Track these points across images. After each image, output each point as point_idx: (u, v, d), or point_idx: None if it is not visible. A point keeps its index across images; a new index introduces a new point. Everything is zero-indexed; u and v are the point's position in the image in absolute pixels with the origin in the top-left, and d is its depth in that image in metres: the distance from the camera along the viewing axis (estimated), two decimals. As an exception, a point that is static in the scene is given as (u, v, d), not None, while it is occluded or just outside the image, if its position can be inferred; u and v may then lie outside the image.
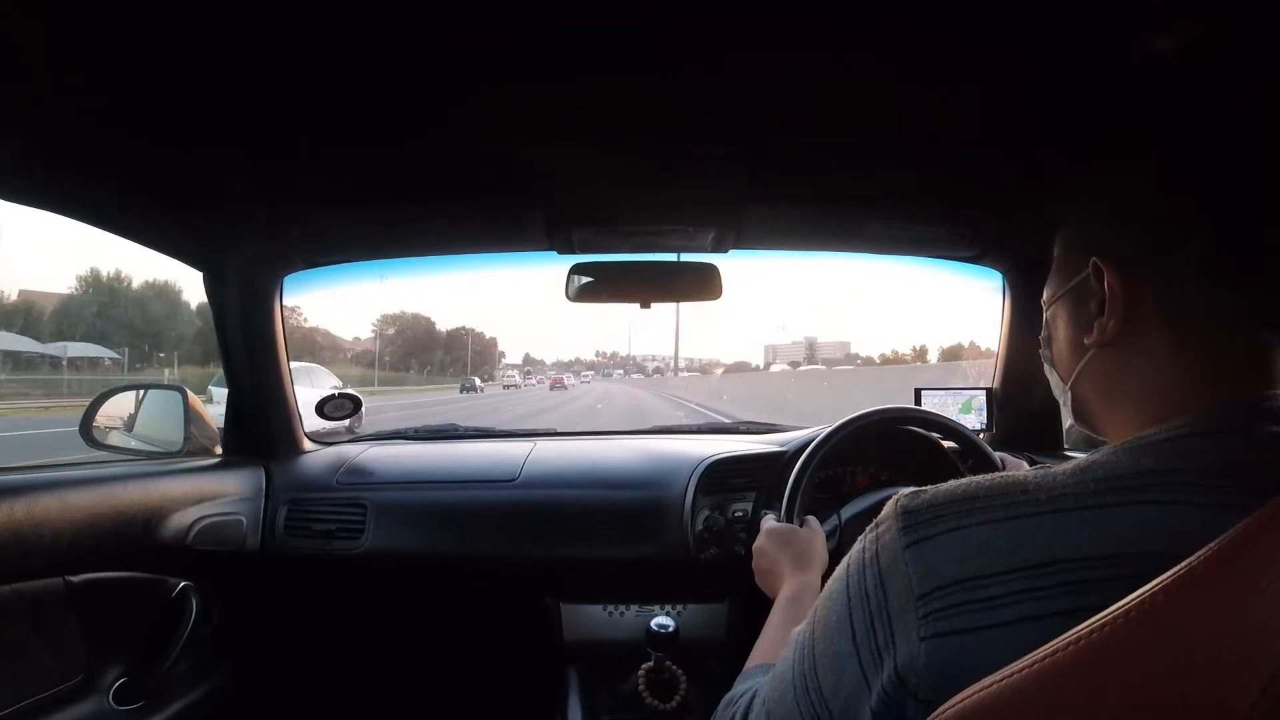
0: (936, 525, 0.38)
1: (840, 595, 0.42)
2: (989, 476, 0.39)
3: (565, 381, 37.26)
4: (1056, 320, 0.49)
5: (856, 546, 0.42)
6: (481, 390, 30.96)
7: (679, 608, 1.27)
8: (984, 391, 1.42)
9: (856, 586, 0.40)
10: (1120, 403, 0.44)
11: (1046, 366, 0.52)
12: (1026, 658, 0.30)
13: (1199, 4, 0.63)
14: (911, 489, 0.41)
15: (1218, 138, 0.41)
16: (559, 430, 1.65)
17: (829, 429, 1.04)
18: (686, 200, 1.15)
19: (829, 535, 0.91)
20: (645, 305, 1.31)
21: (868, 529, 0.42)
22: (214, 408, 1.39)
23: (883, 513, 0.41)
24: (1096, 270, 0.42)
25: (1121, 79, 0.74)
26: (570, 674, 1.26)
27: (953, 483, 0.40)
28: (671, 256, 1.31)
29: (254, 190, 1.08)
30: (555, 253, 1.29)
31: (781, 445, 1.29)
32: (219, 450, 1.33)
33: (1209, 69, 0.69)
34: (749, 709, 0.50)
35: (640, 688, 1.11)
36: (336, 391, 1.41)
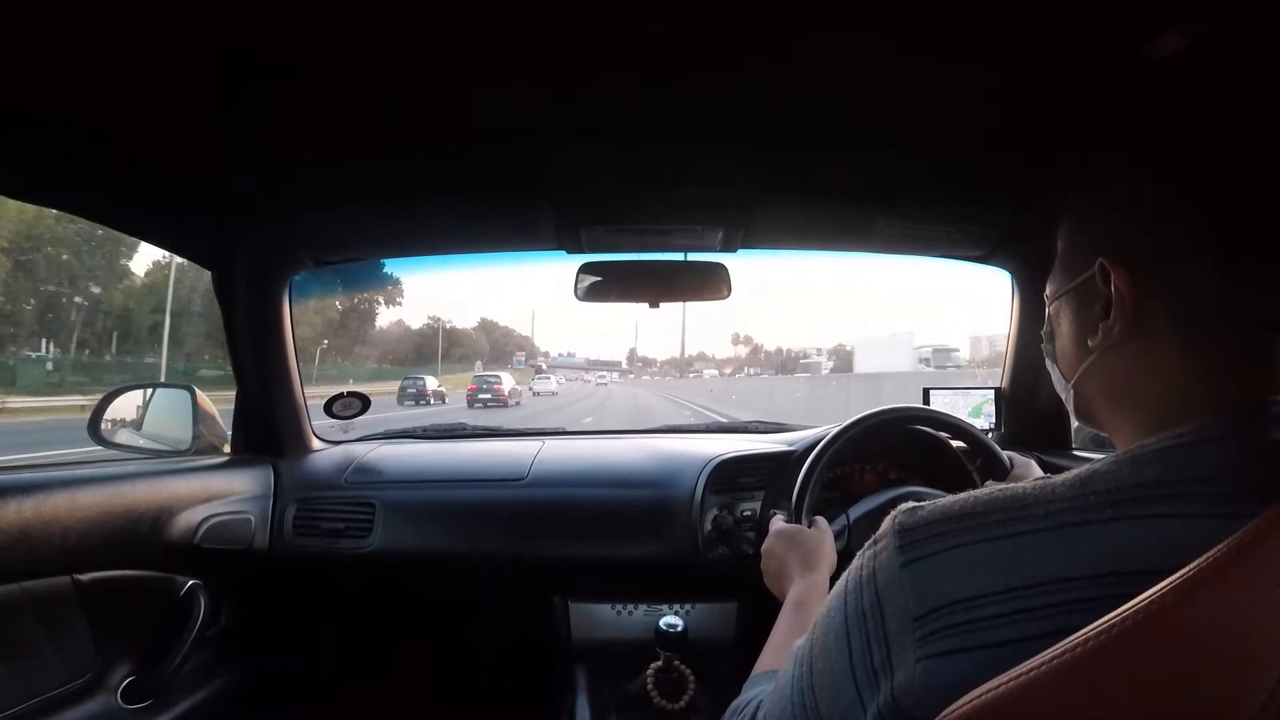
0: (933, 544, 0.37)
1: (838, 613, 0.42)
2: (987, 490, 0.39)
3: (504, 389, 18.43)
4: (1060, 317, 0.48)
5: (855, 563, 0.42)
6: (438, 398, 19.04)
7: (687, 607, 1.27)
8: (993, 391, 1.42)
9: (854, 605, 0.40)
10: (1124, 405, 0.43)
11: (1049, 362, 0.51)
12: (1033, 660, 0.30)
13: (1211, 4, 0.62)
14: (910, 504, 0.41)
15: (1233, 138, 0.40)
16: (567, 429, 1.65)
17: (837, 428, 1.04)
18: (695, 200, 1.15)
19: (837, 535, 0.91)
20: (654, 305, 1.32)
21: (866, 545, 0.42)
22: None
23: (880, 529, 0.41)
24: (1103, 271, 0.41)
25: (1132, 79, 0.74)
26: (578, 673, 1.26)
27: (950, 498, 0.40)
28: (680, 255, 1.32)
29: (262, 189, 1.08)
30: (564, 252, 1.30)
31: (790, 444, 1.29)
32: (227, 449, 1.33)
33: (1222, 69, 0.69)
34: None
35: (649, 687, 1.10)
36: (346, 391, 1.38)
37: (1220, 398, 0.38)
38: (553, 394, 26.23)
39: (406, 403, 17.85)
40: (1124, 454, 0.38)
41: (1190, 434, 0.37)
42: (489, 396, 17.99)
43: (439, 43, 0.73)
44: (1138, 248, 0.40)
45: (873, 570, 0.40)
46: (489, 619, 1.48)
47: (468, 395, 18.36)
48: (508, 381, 19.39)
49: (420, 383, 19.37)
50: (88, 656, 0.98)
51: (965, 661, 0.34)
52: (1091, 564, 0.33)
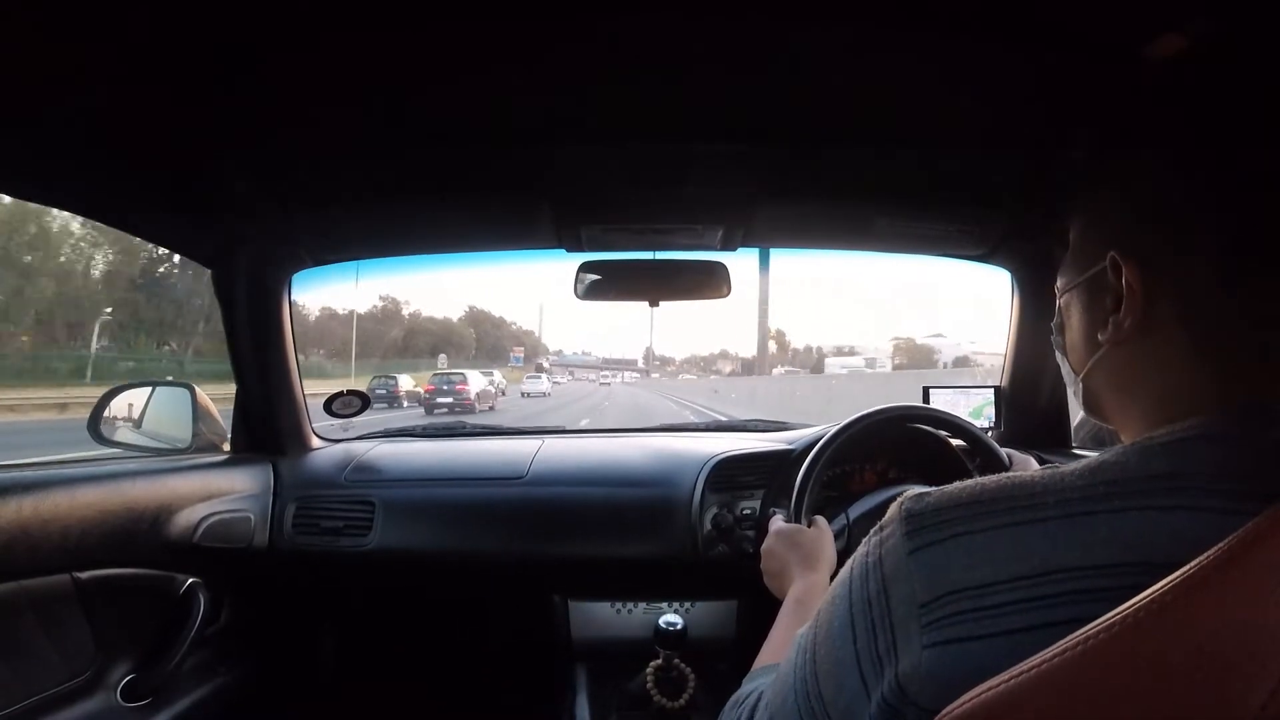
0: (941, 530, 0.37)
1: (843, 600, 0.41)
2: (995, 478, 0.39)
3: (469, 390, 15.50)
4: (1070, 310, 0.48)
5: (860, 550, 0.42)
6: (412, 400, 16.12)
7: (687, 605, 1.27)
8: (992, 389, 1.42)
9: (859, 591, 0.40)
10: (1133, 399, 0.43)
11: (1058, 354, 0.51)
12: (1034, 658, 0.30)
13: (1211, 4, 0.62)
14: (917, 491, 0.40)
15: (1234, 137, 0.40)
16: (567, 428, 1.66)
17: (837, 427, 1.04)
18: (695, 198, 1.15)
19: (837, 535, 0.91)
20: (654, 304, 1.32)
21: (872, 532, 0.42)
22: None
23: (886, 516, 0.41)
24: (1114, 265, 0.41)
25: (1132, 79, 0.74)
26: (578, 671, 1.26)
27: (958, 485, 0.39)
28: (680, 255, 1.32)
29: (263, 189, 1.08)
30: (564, 250, 1.30)
31: (790, 443, 1.29)
32: (227, 447, 1.33)
33: (1222, 69, 0.69)
34: (753, 711, 0.49)
35: (648, 686, 1.11)
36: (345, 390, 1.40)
37: (1225, 395, 0.38)
38: (544, 395, 24.27)
39: (378, 405, 14.54)
40: (1132, 445, 0.38)
41: (1197, 429, 0.37)
42: (451, 400, 14.90)
43: (439, 42, 0.73)
44: (1142, 245, 0.40)
45: (879, 557, 0.39)
46: (489, 618, 1.48)
47: (424, 398, 15.24)
48: (475, 381, 16.32)
49: (393, 383, 16.76)
50: (87, 655, 0.98)
51: (971, 649, 0.34)
52: (1099, 554, 0.33)
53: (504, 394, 22.57)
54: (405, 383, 16.95)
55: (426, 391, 15.51)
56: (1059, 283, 0.49)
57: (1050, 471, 0.38)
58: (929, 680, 0.35)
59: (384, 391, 16.32)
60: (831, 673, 0.40)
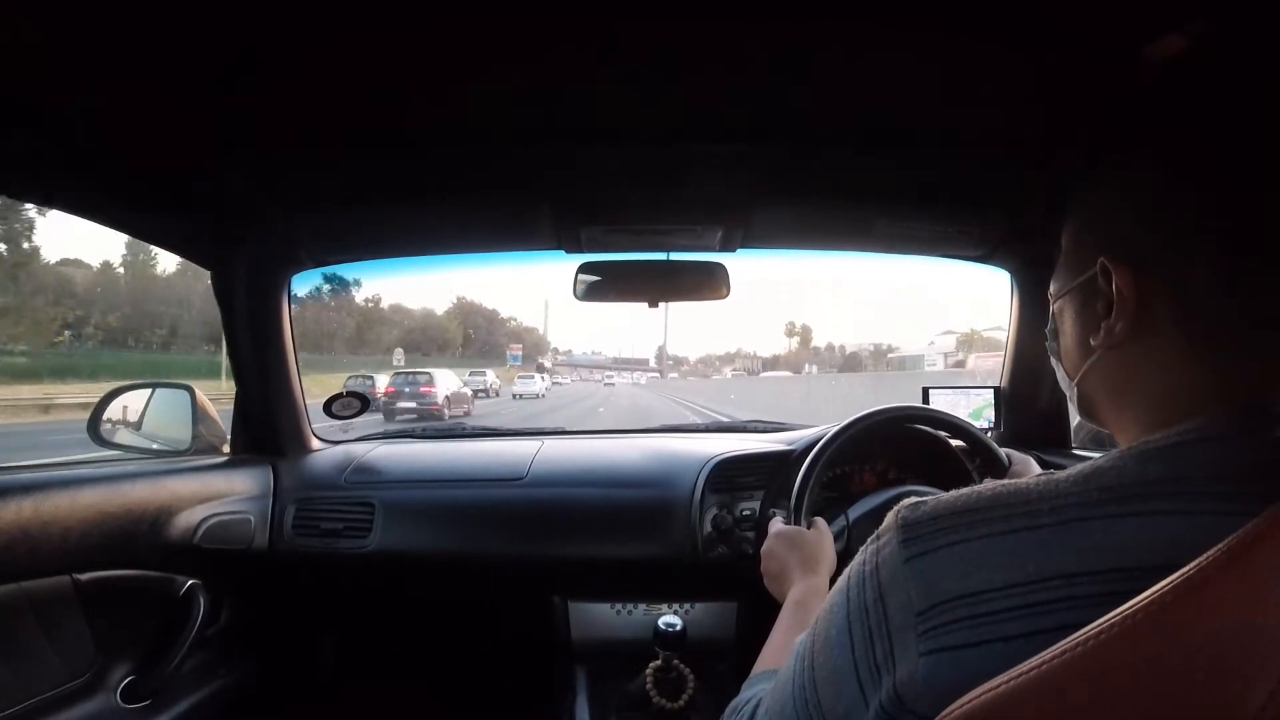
0: (937, 539, 0.37)
1: (840, 608, 0.41)
2: (990, 486, 0.39)
3: (435, 392, 13.06)
4: (1063, 315, 0.48)
5: (857, 558, 0.42)
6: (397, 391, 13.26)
7: (687, 606, 1.27)
8: (992, 390, 1.42)
9: (856, 600, 0.40)
10: (1128, 404, 0.43)
11: (1053, 359, 0.51)
12: (1033, 660, 0.30)
13: (1211, 4, 0.62)
14: (913, 500, 0.40)
15: (1234, 138, 0.40)
16: (567, 429, 1.66)
17: (837, 428, 1.04)
18: (694, 199, 1.15)
19: (837, 536, 0.91)
20: (653, 304, 1.32)
21: (869, 540, 0.42)
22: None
23: (883, 524, 0.41)
24: (1104, 270, 0.41)
25: (1132, 79, 0.74)
26: (578, 673, 1.26)
27: (953, 493, 0.39)
28: (679, 255, 1.32)
29: (262, 189, 1.08)
30: (563, 251, 1.30)
31: (789, 444, 1.29)
32: (227, 449, 1.33)
33: (1222, 69, 0.69)
34: (752, 717, 0.50)
35: (648, 687, 1.11)
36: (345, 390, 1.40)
37: (1223, 396, 0.38)
38: (537, 396, 22.54)
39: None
40: (1129, 450, 0.38)
41: (1194, 432, 0.37)
42: (414, 404, 12.52)
43: (439, 43, 0.74)
44: (1139, 247, 0.40)
45: (875, 565, 0.40)
46: (489, 619, 1.48)
47: (383, 402, 12.47)
48: (445, 381, 14.03)
49: (369, 383, 14.74)
50: (87, 656, 0.98)
51: (968, 657, 0.34)
52: (1095, 560, 0.33)
53: (497, 394, 22.43)
54: (383, 383, 14.73)
55: (387, 394, 13.21)
56: (1052, 288, 0.49)
57: (1045, 478, 0.38)
58: (926, 687, 0.35)
59: (361, 392, 14.33)
60: (830, 680, 0.41)
